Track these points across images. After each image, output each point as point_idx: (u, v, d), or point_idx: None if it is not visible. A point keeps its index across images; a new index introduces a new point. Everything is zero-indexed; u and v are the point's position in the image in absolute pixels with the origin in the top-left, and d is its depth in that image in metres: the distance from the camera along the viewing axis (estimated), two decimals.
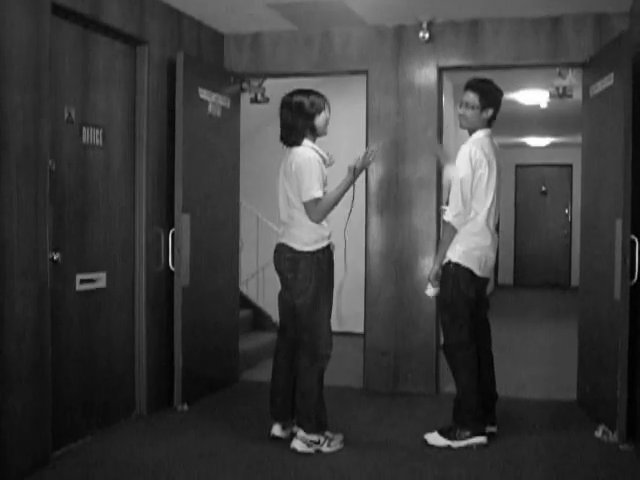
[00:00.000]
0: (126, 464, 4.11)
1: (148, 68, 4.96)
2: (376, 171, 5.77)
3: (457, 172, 4.38)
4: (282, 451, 4.31)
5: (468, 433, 4.38)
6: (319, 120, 4.34)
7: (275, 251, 4.42)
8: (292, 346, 4.43)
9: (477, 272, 4.41)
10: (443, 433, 4.45)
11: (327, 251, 4.33)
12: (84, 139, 4.47)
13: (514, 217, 15.03)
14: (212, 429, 4.73)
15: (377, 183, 5.78)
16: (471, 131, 4.51)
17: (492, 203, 4.41)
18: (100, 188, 4.62)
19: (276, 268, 4.42)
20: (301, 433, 4.30)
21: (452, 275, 4.41)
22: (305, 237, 4.28)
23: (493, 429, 4.59)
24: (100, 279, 4.63)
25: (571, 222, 14.47)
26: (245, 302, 7.21)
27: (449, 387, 5.86)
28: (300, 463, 4.13)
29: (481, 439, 4.40)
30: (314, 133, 4.35)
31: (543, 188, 14.98)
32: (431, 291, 4.57)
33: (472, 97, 4.45)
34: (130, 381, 4.97)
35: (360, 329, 6.07)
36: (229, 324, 5.90)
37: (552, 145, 14.23)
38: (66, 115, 4.30)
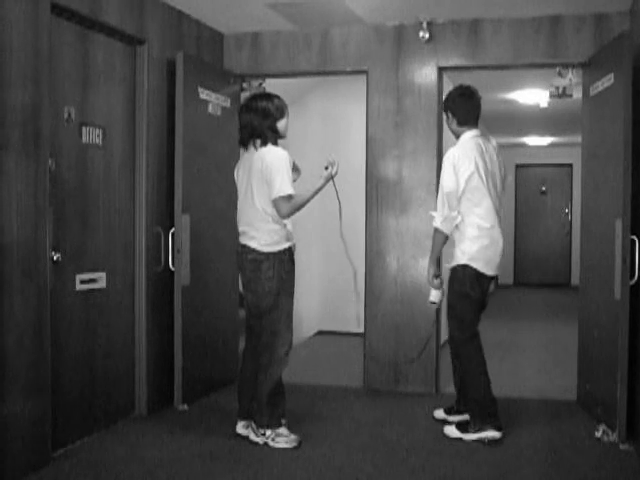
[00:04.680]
0: (126, 464, 4.11)
1: (148, 68, 4.96)
2: (376, 171, 5.77)
3: (442, 179, 4.49)
4: (281, 451, 4.32)
5: (479, 427, 4.48)
6: (281, 124, 4.45)
7: (237, 252, 4.50)
8: (258, 346, 4.51)
9: (483, 271, 4.50)
10: (459, 426, 4.59)
11: (289, 252, 4.41)
12: (84, 139, 4.46)
13: (514, 217, 15.04)
14: (212, 429, 4.73)
15: (377, 183, 5.78)
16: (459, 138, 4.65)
17: (487, 202, 4.48)
18: (100, 188, 4.62)
19: (239, 269, 4.53)
20: (253, 424, 4.45)
21: (459, 277, 4.52)
22: (267, 238, 4.35)
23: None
24: (100, 279, 4.63)
25: (571, 222, 14.47)
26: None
27: (449, 387, 5.86)
28: (299, 463, 4.14)
29: (493, 433, 4.46)
30: (276, 136, 4.44)
31: (543, 188, 14.98)
32: (435, 296, 4.73)
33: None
34: (130, 381, 4.98)
35: (360, 329, 6.07)
36: (229, 324, 5.90)
37: (552, 145, 14.24)
38: (66, 115, 4.30)
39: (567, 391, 5.59)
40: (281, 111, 4.45)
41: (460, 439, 4.52)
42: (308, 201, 4.38)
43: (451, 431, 4.60)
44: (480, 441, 4.46)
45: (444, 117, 4.73)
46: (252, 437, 4.45)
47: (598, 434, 4.57)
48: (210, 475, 3.97)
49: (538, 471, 4.08)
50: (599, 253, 4.91)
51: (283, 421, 4.46)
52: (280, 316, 4.41)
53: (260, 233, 4.35)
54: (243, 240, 4.44)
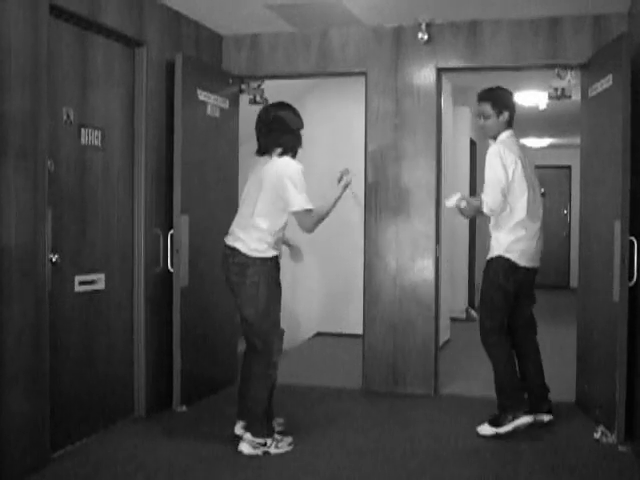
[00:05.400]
0: (125, 466, 4.10)
1: (147, 69, 4.96)
2: (375, 172, 5.77)
3: (490, 171, 4.59)
4: (279, 453, 4.32)
5: (511, 417, 4.57)
6: (301, 134, 4.44)
7: (223, 254, 4.39)
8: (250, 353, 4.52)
9: (518, 262, 4.65)
10: (491, 422, 4.63)
11: (275, 260, 4.37)
12: (83, 140, 4.46)
13: None
14: (211, 430, 4.73)
15: (376, 184, 5.78)
16: (495, 138, 4.78)
17: (527, 196, 4.67)
18: (99, 189, 4.62)
19: (224, 272, 4.41)
20: (248, 436, 4.34)
21: (494, 267, 4.68)
22: (256, 244, 4.28)
23: (549, 417, 4.86)
24: (99, 280, 4.63)
25: (570, 223, 14.46)
26: None
27: (448, 388, 5.87)
28: (298, 465, 4.14)
29: (526, 419, 4.59)
30: (297, 147, 4.42)
31: (542, 189, 14.96)
32: (451, 202, 4.73)
33: (485, 107, 4.75)
34: (129, 382, 4.97)
35: (359, 330, 6.06)
36: (228, 325, 5.90)
37: (551, 146, 14.23)
38: (64, 116, 4.30)
39: (566, 392, 5.58)
40: (302, 121, 4.44)
41: (497, 434, 4.57)
42: (329, 212, 4.39)
43: (486, 429, 4.62)
44: (517, 429, 4.55)
45: (489, 114, 4.72)
46: (248, 450, 4.30)
47: (597, 435, 4.57)
48: (209, 477, 3.97)
49: (537, 472, 4.08)
50: (598, 255, 4.91)
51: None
52: (273, 323, 4.37)
53: (249, 238, 4.29)
54: (229, 241, 4.37)
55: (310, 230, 4.35)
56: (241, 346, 6.20)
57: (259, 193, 4.31)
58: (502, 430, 4.56)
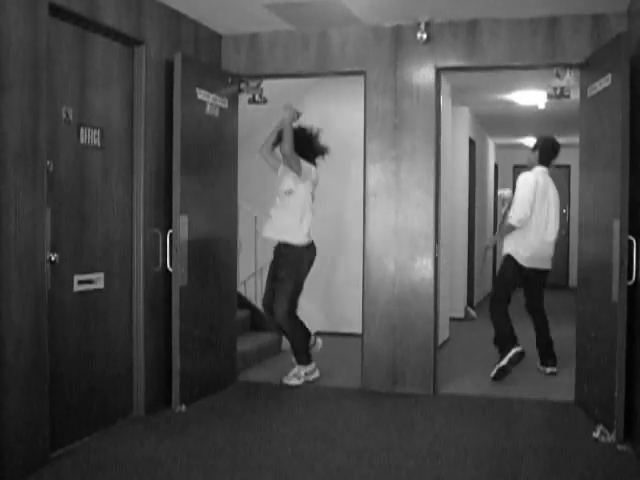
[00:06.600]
0: (124, 465, 4.10)
1: (146, 68, 4.96)
2: (374, 172, 5.78)
3: (522, 191, 6.24)
4: (280, 452, 4.33)
5: (507, 351, 6.11)
6: None
7: (312, 247, 6.10)
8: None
9: (520, 262, 6.28)
10: (497, 364, 6.20)
11: None
12: (82, 139, 4.46)
13: None
14: (210, 430, 4.73)
15: (375, 184, 5.78)
16: (531, 168, 6.49)
17: (540, 216, 6.27)
18: (98, 188, 4.62)
19: (311, 262, 6.11)
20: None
21: (505, 260, 6.38)
22: None
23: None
24: (98, 280, 4.63)
25: (569, 223, 14.46)
26: (243, 303, 7.20)
27: (447, 388, 5.87)
28: (297, 464, 4.14)
29: (516, 349, 6.12)
30: None
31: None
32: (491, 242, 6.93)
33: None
34: (128, 382, 4.97)
35: (358, 330, 6.06)
36: (227, 324, 5.90)
37: None
38: (64, 115, 4.30)
39: (565, 392, 5.60)
40: None
41: (502, 367, 6.12)
42: (279, 133, 5.94)
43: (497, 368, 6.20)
44: (512, 357, 6.06)
45: (533, 149, 6.55)
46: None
47: (596, 435, 4.57)
48: (208, 476, 3.97)
49: (536, 472, 4.08)
50: (597, 254, 4.91)
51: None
52: None
53: None
54: (310, 237, 5.99)
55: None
56: (240, 345, 6.21)
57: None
58: (503, 363, 6.11)
